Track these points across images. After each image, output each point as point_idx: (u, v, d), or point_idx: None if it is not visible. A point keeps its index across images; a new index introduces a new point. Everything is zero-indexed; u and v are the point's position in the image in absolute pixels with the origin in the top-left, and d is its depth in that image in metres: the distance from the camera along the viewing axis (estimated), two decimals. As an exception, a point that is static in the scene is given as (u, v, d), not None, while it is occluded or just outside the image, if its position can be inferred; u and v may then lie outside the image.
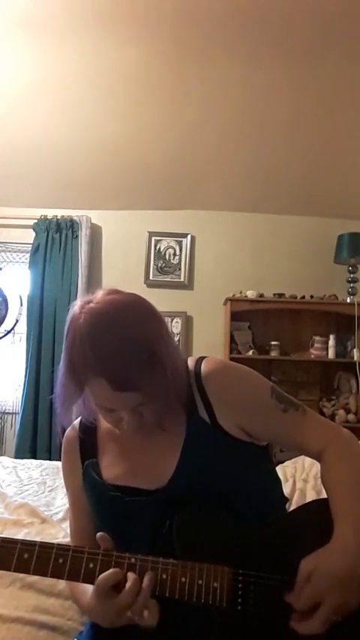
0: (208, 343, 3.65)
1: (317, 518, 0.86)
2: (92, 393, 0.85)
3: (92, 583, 0.80)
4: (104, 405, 0.87)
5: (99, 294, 0.88)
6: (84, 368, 0.82)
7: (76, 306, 0.87)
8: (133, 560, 0.80)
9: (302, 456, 2.19)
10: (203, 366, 0.95)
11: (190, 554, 0.82)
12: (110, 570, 0.79)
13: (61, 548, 0.81)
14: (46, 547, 0.81)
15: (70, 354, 0.84)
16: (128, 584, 0.77)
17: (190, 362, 0.97)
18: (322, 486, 0.92)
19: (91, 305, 0.85)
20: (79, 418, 1.04)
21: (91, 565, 0.80)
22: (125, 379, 0.81)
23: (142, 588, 0.77)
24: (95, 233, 3.79)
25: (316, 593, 0.76)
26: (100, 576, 0.78)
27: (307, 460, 2.35)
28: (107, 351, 0.81)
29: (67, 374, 0.85)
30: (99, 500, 0.95)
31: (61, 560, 0.80)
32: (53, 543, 0.82)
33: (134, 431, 0.89)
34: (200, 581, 0.79)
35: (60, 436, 1.02)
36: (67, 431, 1.05)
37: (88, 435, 1.01)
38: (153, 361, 0.82)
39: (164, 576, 0.79)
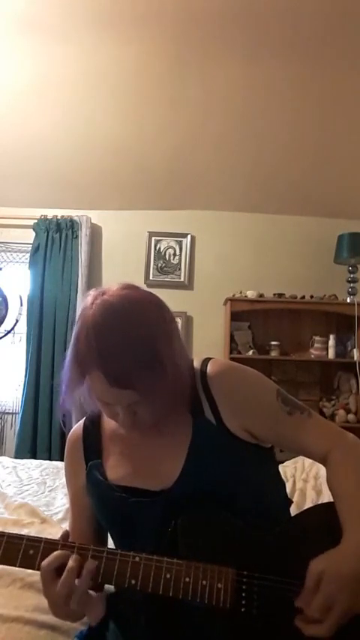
0: (208, 343, 3.64)
1: (323, 521, 0.86)
2: (91, 385, 0.85)
3: (96, 580, 0.80)
4: (100, 399, 0.87)
5: (114, 288, 0.88)
6: (86, 359, 0.82)
7: (89, 296, 0.87)
8: (137, 558, 0.80)
9: (302, 456, 2.18)
10: (209, 367, 0.95)
11: (194, 554, 0.81)
12: (54, 553, 0.79)
13: (66, 546, 0.81)
14: (51, 544, 0.81)
15: (76, 342, 0.84)
16: (64, 575, 0.77)
17: (196, 363, 0.97)
18: (328, 489, 0.91)
19: (105, 297, 0.85)
20: (84, 419, 1.04)
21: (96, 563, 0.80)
22: (123, 376, 0.81)
23: (80, 578, 0.78)
24: (95, 233, 3.79)
25: (329, 598, 0.74)
26: (44, 560, 0.79)
27: (307, 460, 2.34)
28: (110, 345, 0.81)
29: (71, 361, 0.85)
30: (104, 501, 0.95)
31: None
32: (58, 540, 0.82)
33: (127, 428, 0.89)
34: (204, 582, 0.78)
35: (61, 424, 1.03)
36: (71, 431, 1.05)
37: (92, 436, 1.01)
38: (154, 363, 0.82)
39: (168, 576, 0.79)
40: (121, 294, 0.86)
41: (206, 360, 0.97)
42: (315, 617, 0.75)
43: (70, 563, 0.78)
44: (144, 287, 0.93)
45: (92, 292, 0.88)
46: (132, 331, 0.82)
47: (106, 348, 0.81)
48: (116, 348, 0.81)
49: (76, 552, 0.80)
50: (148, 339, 0.83)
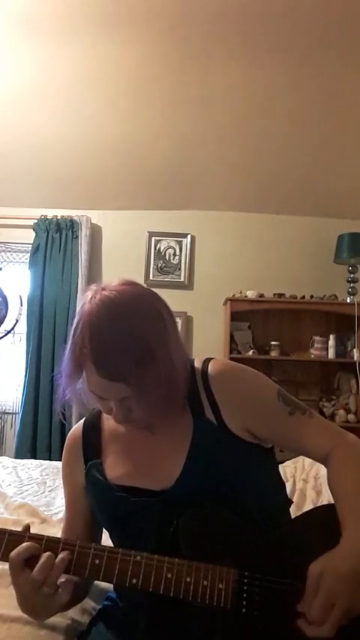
0: (208, 343, 3.64)
1: (323, 522, 0.86)
2: (87, 378, 0.86)
3: (97, 579, 0.81)
4: (93, 391, 0.87)
5: (114, 283, 0.89)
6: (81, 350, 0.84)
7: (90, 290, 0.88)
8: (138, 557, 0.80)
9: (302, 456, 2.18)
10: (210, 367, 0.95)
11: (195, 554, 0.81)
12: (23, 544, 0.80)
13: (68, 544, 0.82)
14: (53, 542, 0.82)
15: (73, 335, 0.86)
16: (42, 559, 0.79)
17: (197, 363, 0.97)
18: (328, 489, 0.91)
19: (104, 292, 0.86)
20: (83, 420, 1.04)
21: (97, 561, 0.80)
22: (112, 368, 0.82)
23: (55, 564, 0.79)
24: (95, 233, 3.79)
25: (329, 597, 0.74)
26: (13, 551, 0.79)
27: (307, 460, 2.34)
28: (102, 336, 0.82)
29: (69, 353, 0.86)
30: (104, 501, 0.95)
31: None
32: (60, 538, 0.83)
33: (120, 423, 0.89)
34: (205, 582, 0.78)
35: (61, 417, 1.03)
36: (70, 431, 1.05)
37: (92, 436, 1.01)
38: (146, 359, 0.82)
39: (169, 575, 0.79)
40: (119, 289, 0.87)
41: (207, 360, 0.97)
42: (317, 619, 0.74)
43: (47, 553, 0.80)
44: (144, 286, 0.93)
45: (93, 287, 0.89)
46: (124, 324, 0.83)
47: (98, 339, 0.82)
48: (107, 340, 0.82)
49: (77, 549, 0.81)
50: (140, 333, 0.83)
